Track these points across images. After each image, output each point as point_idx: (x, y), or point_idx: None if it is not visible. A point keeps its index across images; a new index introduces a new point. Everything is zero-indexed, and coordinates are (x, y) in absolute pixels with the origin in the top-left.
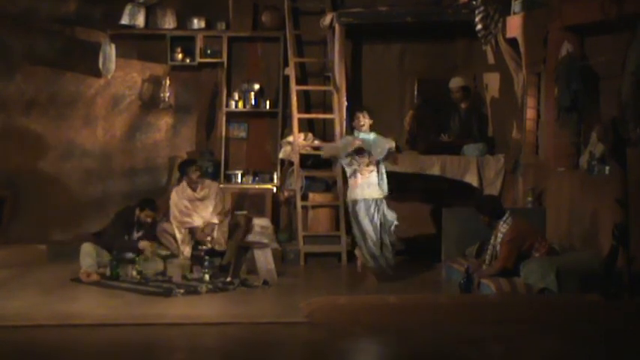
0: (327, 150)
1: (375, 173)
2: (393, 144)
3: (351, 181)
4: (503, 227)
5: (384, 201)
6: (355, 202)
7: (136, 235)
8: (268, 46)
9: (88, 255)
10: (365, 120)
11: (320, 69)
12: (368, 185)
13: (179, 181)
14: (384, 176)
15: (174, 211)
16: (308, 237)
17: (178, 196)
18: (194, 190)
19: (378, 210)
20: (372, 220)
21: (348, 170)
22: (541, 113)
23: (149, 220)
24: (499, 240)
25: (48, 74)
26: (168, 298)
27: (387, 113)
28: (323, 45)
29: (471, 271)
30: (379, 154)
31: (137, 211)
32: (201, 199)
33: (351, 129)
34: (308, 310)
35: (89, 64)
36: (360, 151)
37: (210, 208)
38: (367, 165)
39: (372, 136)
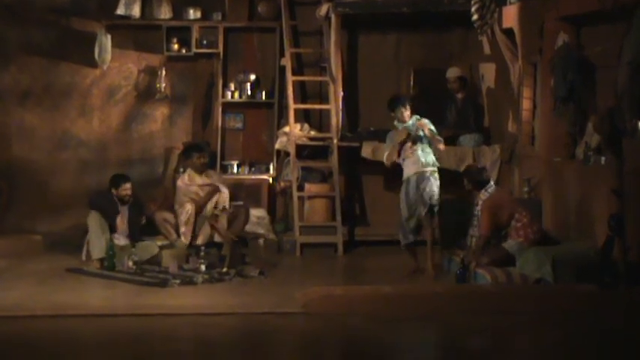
0: (386, 158)
1: (418, 152)
2: (430, 125)
3: (402, 165)
4: (484, 195)
5: (431, 177)
6: (403, 182)
7: (120, 213)
8: (264, 36)
9: (98, 243)
10: (407, 113)
11: (316, 59)
12: (412, 163)
13: (177, 169)
14: (428, 152)
15: (180, 195)
16: (304, 227)
17: (185, 184)
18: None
19: (418, 186)
20: (407, 196)
21: (400, 159)
22: (537, 104)
23: (129, 192)
24: (479, 208)
25: (43, 65)
26: (165, 288)
27: (383, 103)
28: (319, 35)
29: (467, 261)
30: (416, 129)
31: (113, 191)
32: (208, 179)
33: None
34: (304, 301)
35: (85, 54)
36: (413, 140)
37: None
38: (410, 147)
39: (411, 122)
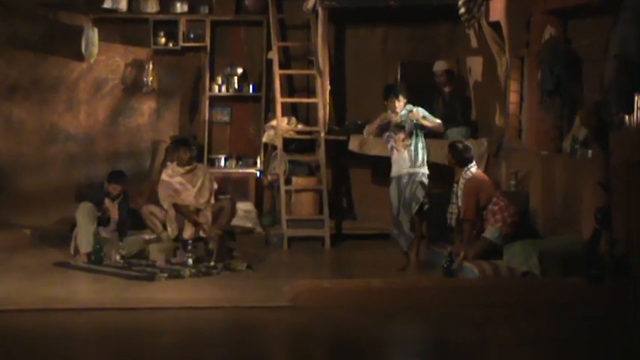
0: (366, 132)
1: (410, 148)
2: (423, 113)
3: (392, 159)
4: (466, 174)
5: (422, 178)
6: (392, 179)
7: (107, 205)
8: (251, 30)
9: (86, 236)
10: (400, 104)
11: (303, 53)
12: (403, 160)
13: (164, 163)
14: (420, 150)
15: (165, 191)
16: (292, 221)
17: (169, 176)
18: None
19: (410, 185)
20: (400, 195)
21: (388, 147)
22: (524, 97)
23: (115, 192)
24: (460, 186)
25: (30, 58)
26: (152, 282)
27: (370, 97)
28: (306, 29)
29: (455, 253)
30: (409, 121)
31: (106, 183)
32: (192, 172)
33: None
34: (291, 294)
35: (72, 48)
36: (398, 128)
37: (198, 185)
38: (402, 140)
39: (403, 112)
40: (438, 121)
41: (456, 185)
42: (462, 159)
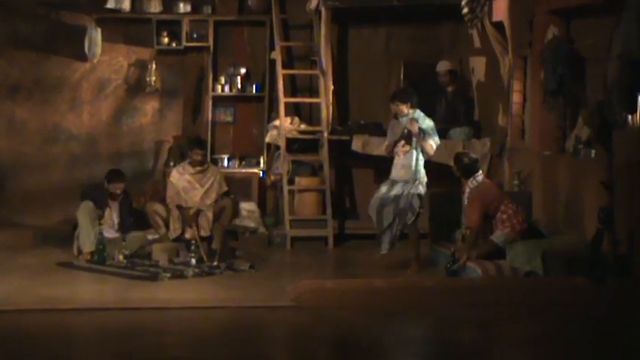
0: (385, 149)
1: (410, 155)
2: (423, 124)
3: (393, 162)
4: (472, 183)
5: (419, 187)
6: (389, 179)
7: (110, 206)
8: (254, 30)
9: (88, 236)
10: (396, 108)
11: (306, 53)
12: (402, 166)
13: (167, 163)
14: (416, 160)
15: (172, 190)
16: (295, 221)
17: (180, 174)
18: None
19: (405, 194)
20: (389, 198)
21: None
22: (527, 97)
23: (118, 191)
24: (466, 197)
25: (33, 58)
26: (155, 282)
27: (374, 97)
28: (309, 29)
29: (458, 255)
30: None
31: (105, 184)
32: (202, 173)
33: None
34: (294, 294)
35: (75, 48)
36: (406, 139)
37: (207, 187)
38: (403, 146)
39: (409, 117)
40: (433, 147)
41: (463, 196)
42: (467, 171)
